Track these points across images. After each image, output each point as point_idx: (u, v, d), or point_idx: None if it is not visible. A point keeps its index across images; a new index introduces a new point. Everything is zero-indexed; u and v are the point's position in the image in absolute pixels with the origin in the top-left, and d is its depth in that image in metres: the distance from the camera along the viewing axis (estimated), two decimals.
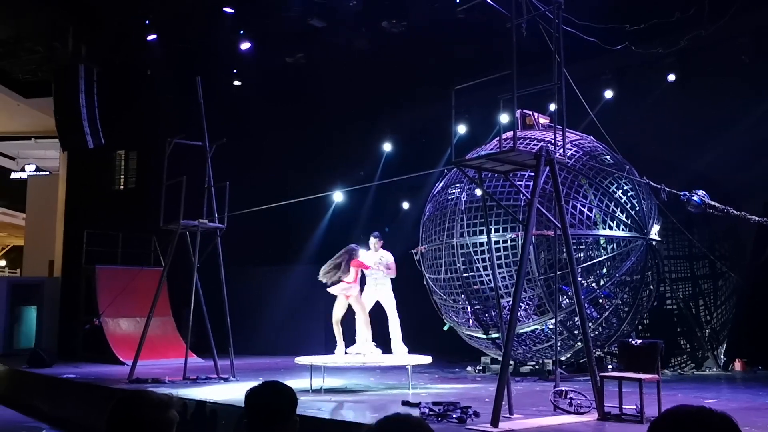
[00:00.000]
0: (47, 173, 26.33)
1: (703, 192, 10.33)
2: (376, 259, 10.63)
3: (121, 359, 14.13)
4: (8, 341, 18.04)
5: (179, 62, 15.57)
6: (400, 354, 10.53)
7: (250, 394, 2.61)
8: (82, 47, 16.27)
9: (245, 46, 15.35)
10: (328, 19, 13.99)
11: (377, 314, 10.81)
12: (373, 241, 10.78)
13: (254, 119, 16.94)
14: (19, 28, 17.67)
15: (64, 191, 19.55)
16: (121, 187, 19.66)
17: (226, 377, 11.13)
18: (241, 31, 15.20)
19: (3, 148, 31.22)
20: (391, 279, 10.74)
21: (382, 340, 10.71)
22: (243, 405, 2.65)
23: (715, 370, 12.70)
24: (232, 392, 9.18)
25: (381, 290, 10.68)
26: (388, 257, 10.74)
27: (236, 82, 16.75)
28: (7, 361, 15.43)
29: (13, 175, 31.60)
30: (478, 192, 10.66)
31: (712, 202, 10.26)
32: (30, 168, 29.21)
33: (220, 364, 11.40)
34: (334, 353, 10.54)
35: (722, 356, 12.90)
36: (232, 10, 14.49)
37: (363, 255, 10.50)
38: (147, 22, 15.53)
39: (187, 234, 11.59)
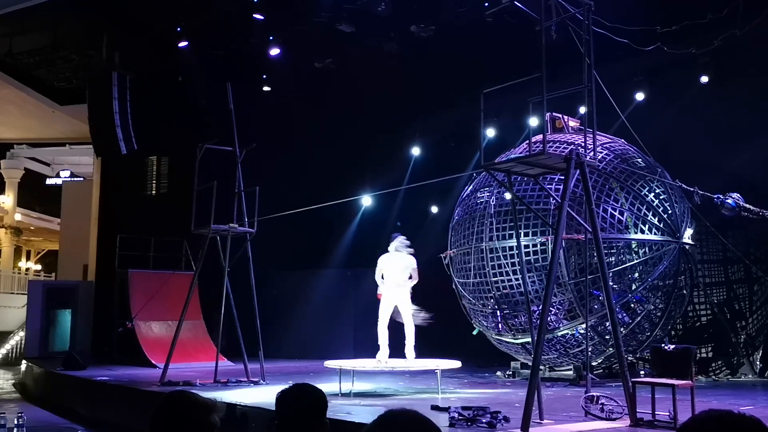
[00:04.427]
0: (81, 179, 26.85)
1: (738, 195, 10.16)
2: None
3: (153, 362, 14.29)
4: (44, 344, 18.35)
5: (210, 68, 15.75)
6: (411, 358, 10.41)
7: (281, 396, 2.62)
8: (115, 55, 16.56)
9: (275, 51, 15.47)
10: (356, 24, 14.04)
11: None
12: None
13: (284, 124, 17.06)
14: (55, 36, 18.05)
15: (97, 196, 19.87)
16: (153, 192, 19.91)
17: (256, 380, 11.20)
18: (271, 37, 15.32)
19: (39, 155, 31.94)
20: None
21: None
22: (273, 408, 2.67)
23: (750, 376, 12.46)
24: (262, 395, 9.24)
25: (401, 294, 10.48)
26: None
27: (266, 88, 16.89)
28: (42, 364, 15.71)
29: (49, 181, 32.31)
30: (508, 196, 10.60)
31: (747, 205, 10.08)
32: (65, 174, 29.84)
33: (251, 368, 11.48)
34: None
35: (758, 362, 12.65)
36: (261, 17, 14.63)
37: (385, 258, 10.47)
38: (178, 29, 15.74)
39: (217, 238, 11.70)
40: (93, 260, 19.71)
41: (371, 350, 11.76)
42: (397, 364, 10.34)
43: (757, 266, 12.81)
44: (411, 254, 10.50)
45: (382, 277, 10.35)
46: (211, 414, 2.25)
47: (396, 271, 10.31)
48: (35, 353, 18.03)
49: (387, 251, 10.52)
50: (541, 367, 10.45)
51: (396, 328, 10.53)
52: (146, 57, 16.97)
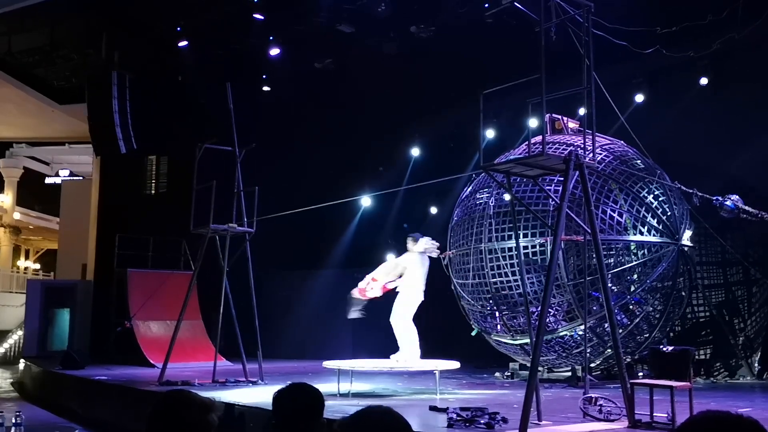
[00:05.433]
0: (81, 178, 26.81)
1: (737, 197, 10.17)
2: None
3: (152, 362, 14.29)
4: (42, 343, 18.36)
5: (210, 68, 15.75)
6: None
7: (278, 396, 2.63)
8: (115, 54, 16.55)
9: (275, 51, 15.47)
10: (356, 24, 14.05)
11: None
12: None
13: (284, 124, 17.06)
14: (54, 35, 18.05)
15: (97, 196, 19.86)
16: (153, 191, 19.91)
17: (254, 380, 11.20)
18: (271, 37, 15.32)
19: (38, 154, 31.93)
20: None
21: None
22: (271, 408, 2.67)
23: (749, 378, 12.47)
24: (260, 395, 9.24)
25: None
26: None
27: (265, 88, 16.90)
28: (40, 363, 15.71)
29: (48, 180, 32.26)
30: (507, 197, 10.60)
31: (746, 207, 10.08)
32: (64, 173, 29.79)
33: (249, 368, 11.48)
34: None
35: (756, 364, 12.66)
36: (261, 17, 14.63)
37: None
38: (178, 29, 15.74)
39: (216, 238, 11.70)
40: (92, 259, 19.70)
41: (370, 351, 11.77)
42: (399, 364, 10.32)
43: (755, 268, 12.81)
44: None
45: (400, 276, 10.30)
46: (209, 413, 2.25)
47: (424, 273, 10.27)
48: (33, 352, 18.03)
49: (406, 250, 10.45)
50: (540, 369, 10.44)
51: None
52: (146, 57, 16.96)
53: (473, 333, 12.52)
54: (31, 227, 35.21)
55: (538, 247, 11.01)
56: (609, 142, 11.58)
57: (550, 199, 9.60)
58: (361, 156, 16.71)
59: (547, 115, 10.02)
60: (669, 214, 11.13)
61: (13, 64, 19.88)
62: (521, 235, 10.52)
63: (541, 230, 10.94)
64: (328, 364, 10.21)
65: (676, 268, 11.11)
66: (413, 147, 16.78)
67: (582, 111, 9.64)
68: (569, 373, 11.46)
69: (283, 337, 16.33)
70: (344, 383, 9.64)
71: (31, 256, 38.74)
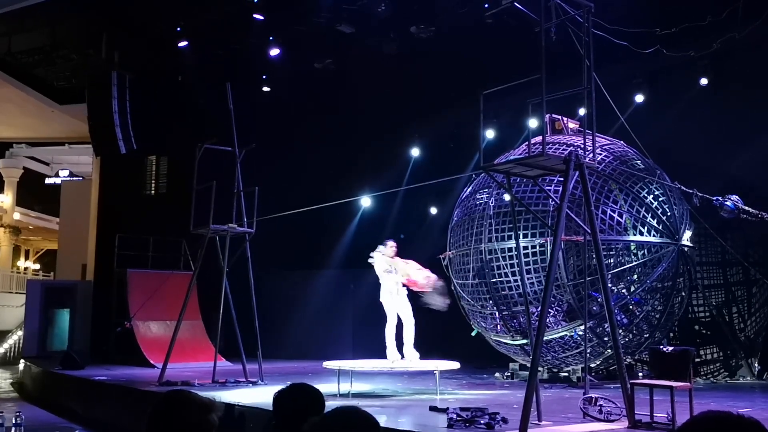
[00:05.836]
0: (81, 178, 26.82)
1: (737, 197, 10.16)
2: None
3: (152, 362, 14.29)
4: (42, 343, 18.34)
5: (210, 68, 15.75)
6: (413, 359, 10.38)
7: (278, 396, 2.63)
8: (115, 54, 16.56)
9: (275, 52, 15.47)
10: (356, 24, 14.05)
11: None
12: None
13: (283, 124, 17.06)
14: (55, 35, 18.05)
15: (96, 196, 19.85)
16: (153, 192, 19.90)
17: (254, 381, 11.20)
18: (271, 37, 15.32)
19: (38, 154, 31.93)
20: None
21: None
22: (271, 408, 2.67)
23: (749, 378, 12.47)
24: (260, 396, 9.24)
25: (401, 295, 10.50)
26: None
27: (265, 88, 16.89)
28: (40, 363, 15.70)
29: (48, 180, 32.27)
30: (507, 197, 10.60)
31: (746, 207, 10.08)
32: (64, 173, 29.81)
33: (249, 368, 11.48)
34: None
35: (756, 365, 12.66)
36: (261, 17, 14.62)
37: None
38: (178, 29, 15.74)
39: (216, 238, 11.70)
40: (92, 260, 19.69)
41: (370, 351, 11.77)
42: (400, 364, 10.33)
43: (755, 268, 12.81)
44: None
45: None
46: (209, 413, 2.25)
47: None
48: (33, 352, 18.02)
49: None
50: (540, 369, 10.44)
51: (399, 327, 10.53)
52: (146, 57, 16.96)
53: (473, 333, 12.52)
54: (30, 227, 35.20)
55: (538, 247, 11.00)
56: (609, 142, 11.58)
57: (550, 200, 9.61)
58: (361, 156, 16.70)
59: (547, 116, 10.02)
60: (669, 214, 11.13)
61: (13, 64, 19.88)
62: (521, 236, 10.52)
63: (541, 230, 10.94)
64: (329, 364, 10.22)
65: (676, 269, 11.11)
66: (413, 147, 16.78)
67: (582, 111, 9.65)
68: (566, 374, 11.45)
69: (284, 338, 16.33)
70: (344, 384, 9.64)
71: (31, 256, 38.74)
